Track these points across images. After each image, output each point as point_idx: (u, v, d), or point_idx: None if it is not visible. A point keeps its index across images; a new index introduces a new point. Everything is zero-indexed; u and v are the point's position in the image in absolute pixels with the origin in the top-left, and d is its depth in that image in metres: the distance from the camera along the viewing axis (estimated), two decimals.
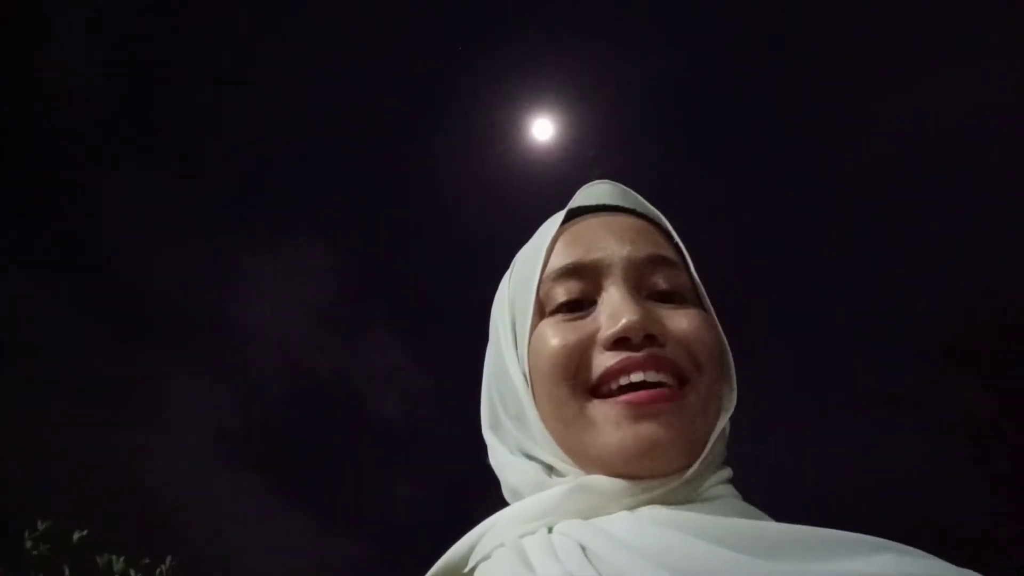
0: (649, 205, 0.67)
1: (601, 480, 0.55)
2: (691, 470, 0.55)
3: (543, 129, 9.52)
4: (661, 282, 0.61)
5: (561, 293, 0.61)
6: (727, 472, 0.60)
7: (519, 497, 0.62)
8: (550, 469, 0.60)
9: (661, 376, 0.56)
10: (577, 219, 0.66)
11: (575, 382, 0.58)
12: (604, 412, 0.56)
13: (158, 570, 5.59)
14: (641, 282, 0.61)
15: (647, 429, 0.54)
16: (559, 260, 0.63)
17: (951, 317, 7.72)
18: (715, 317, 0.63)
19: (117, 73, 10.21)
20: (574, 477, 0.58)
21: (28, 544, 5.33)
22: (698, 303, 0.63)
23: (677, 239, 0.66)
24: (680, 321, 0.59)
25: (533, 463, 0.61)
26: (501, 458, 0.65)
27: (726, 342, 0.63)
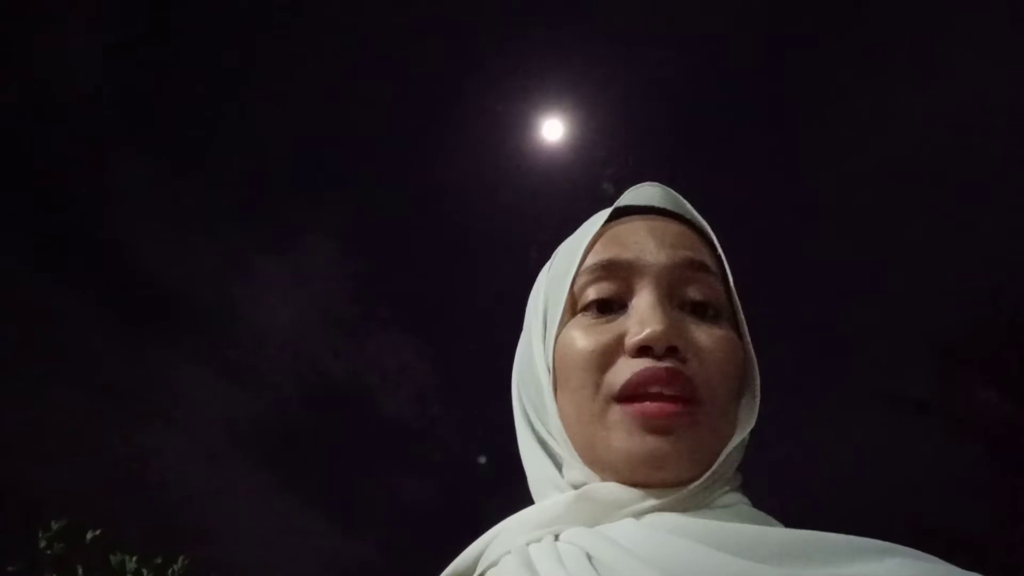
0: (696, 212, 0.67)
1: (606, 488, 0.56)
2: (696, 483, 0.55)
3: (553, 129, 9.51)
4: (695, 292, 0.61)
5: (593, 292, 0.61)
6: (738, 480, 0.61)
7: (532, 486, 0.64)
8: (561, 464, 0.61)
9: (677, 391, 0.56)
10: (622, 219, 0.66)
11: (597, 385, 0.58)
12: (618, 418, 0.56)
13: (170, 569, 5.61)
14: (674, 289, 0.60)
15: (655, 443, 0.55)
16: (596, 257, 0.62)
17: (964, 317, 7.67)
18: (746, 334, 0.63)
19: (132, 67, 10.25)
20: (581, 476, 0.58)
21: (42, 543, 5.37)
22: (731, 318, 0.63)
23: (720, 251, 0.65)
24: (707, 338, 0.59)
25: (548, 459, 0.62)
26: (522, 443, 0.66)
27: (755, 361, 0.62)
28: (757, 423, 0.62)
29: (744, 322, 0.63)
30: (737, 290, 0.65)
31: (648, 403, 0.55)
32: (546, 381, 0.62)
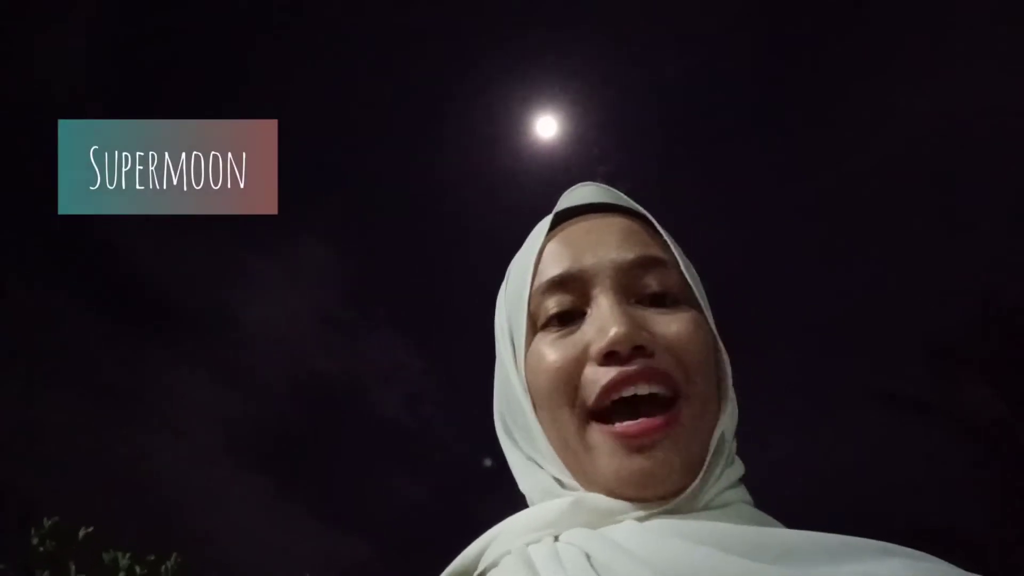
0: (634, 203, 0.67)
1: (601, 498, 0.56)
2: (688, 490, 0.55)
3: (547, 126, 9.49)
4: (651, 284, 0.60)
5: (552, 306, 0.61)
6: (736, 472, 0.60)
7: (531, 499, 0.63)
8: (559, 481, 0.60)
9: (653, 387, 0.56)
10: (564, 224, 0.66)
11: (573, 401, 0.58)
12: (601, 439, 0.56)
13: (163, 567, 5.60)
14: (630, 287, 0.60)
15: (640, 463, 0.54)
16: (547, 272, 0.62)
17: (959, 318, 7.70)
18: (707, 312, 0.63)
19: (122, 65, 10.24)
20: (582, 491, 0.58)
21: (34, 541, 5.35)
22: (690, 300, 0.62)
23: (666, 235, 0.65)
24: (669, 326, 0.58)
25: (544, 473, 0.62)
26: (514, 461, 0.66)
27: (719, 340, 0.62)
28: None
29: (705, 299, 0.63)
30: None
31: (627, 423, 0.55)
32: (526, 403, 0.62)
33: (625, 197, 0.67)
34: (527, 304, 0.62)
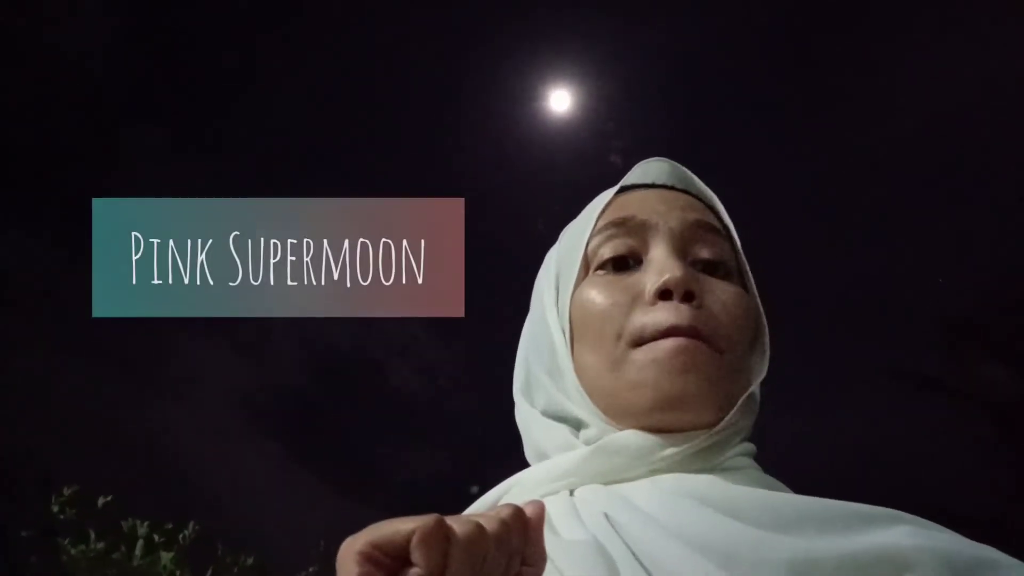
0: (703, 186, 0.68)
1: (623, 438, 0.56)
2: (716, 428, 0.56)
3: (560, 100, 9.38)
4: (706, 251, 0.62)
5: (608, 250, 0.62)
6: (750, 447, 0.61)
7: (543, 457, 0.63)
8: (577, 429, 0.61)
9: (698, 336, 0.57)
10: (630, 191, 0.68)
11: (618, 333, 0.59)
12: (643, 357, 0.57)
13: (181, 535, 5.68)
14: (687, 248, 0.62)
15: (682, 380, 0.55)
16: (610, 216, 0.64)
17: (975, 294, 7.64)
18: (755, 292, 0.64)
19: (138, 39, 10.21)
20: (599, 433, 0.59)
21: (55, 509, 5.44)
22: (740, 279, 0.64)
23: (728, 221, 0.67)
24: (719, 292, 0.60)
25: (560, 425, 0.62)
26: (527, 417, 0.66)
27: (764, 318, 0.64)
28: (768, 399, 0.64)
29: (752, 281, 0.65)
30: (748, 259, 0.66)
31: (675, 338, 0.56)
32: (561, 342, 0.63)
33: (696, 180, 0.68)
34: (584, 246, 0.63)
